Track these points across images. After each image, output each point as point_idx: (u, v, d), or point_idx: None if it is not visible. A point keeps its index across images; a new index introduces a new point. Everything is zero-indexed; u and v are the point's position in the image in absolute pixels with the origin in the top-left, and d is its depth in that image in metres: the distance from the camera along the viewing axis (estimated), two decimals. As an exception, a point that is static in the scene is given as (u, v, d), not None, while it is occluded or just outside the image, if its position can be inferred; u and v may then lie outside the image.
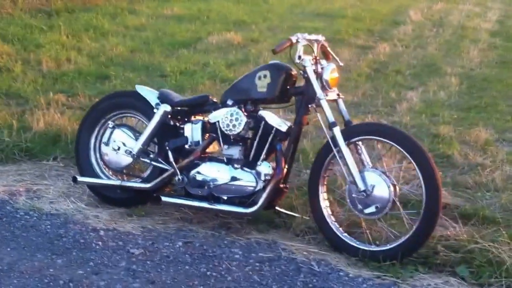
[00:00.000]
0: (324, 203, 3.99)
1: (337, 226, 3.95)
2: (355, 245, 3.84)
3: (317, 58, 4.01)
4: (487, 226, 4.06)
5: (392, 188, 3.74)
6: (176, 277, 3.49)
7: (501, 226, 4.00)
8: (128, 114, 4.60)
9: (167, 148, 4.25)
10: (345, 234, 3.91)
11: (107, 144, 4.45)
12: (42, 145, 5.41)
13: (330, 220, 3.96)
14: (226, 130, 4.09)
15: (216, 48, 9.46)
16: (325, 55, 4.20)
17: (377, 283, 3.55)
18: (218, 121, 4.13)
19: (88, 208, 4.44)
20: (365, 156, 3.94)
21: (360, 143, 3.94)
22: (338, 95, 4.03)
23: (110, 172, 4.61)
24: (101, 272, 3.53)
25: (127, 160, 4.40)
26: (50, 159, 5.24)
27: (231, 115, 4.08)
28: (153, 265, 3.63)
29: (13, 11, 10.78)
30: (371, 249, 3.79)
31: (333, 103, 4.05)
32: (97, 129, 4.59)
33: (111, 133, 4.44)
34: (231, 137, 4.12)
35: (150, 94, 4.42)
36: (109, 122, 4.50)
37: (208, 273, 3.56)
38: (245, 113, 4.11)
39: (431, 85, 8.04)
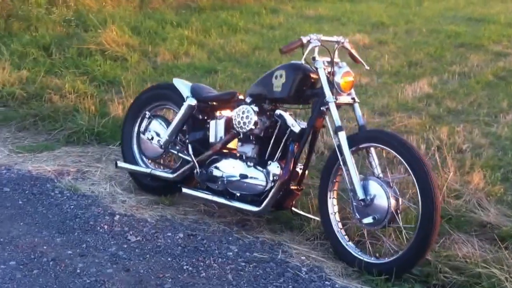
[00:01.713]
0: (332, 209, 3.76)
1: (343, 233, 3.70)
2: (356, 255, 3.58)
3: (334, 60, 3.79)
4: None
5: (392, 200, 3.43)
6: (152, 268, 3.46)
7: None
8: (166, 106, 4.66)
9: (187, 141, 4.25)
10: (350, 243, 3.66)
11: (143, 133, 4.54)
12: (113, 130, 5.62)
13: (337, 227, 3.72)
14: (238, 127, 4.00)
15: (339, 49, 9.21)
16: (353, 57, 3.98)
17: (358, 298, 3.28)
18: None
19: (122, 193, 4.55)
20: (375, 164, 3.64)
21: (372, 150, 3.66)
22: (353, 99, 3.78)
23: (149, 161, 4.68)
24: (87, 254, 3.59)
25: (158, 150, 4.46)
26: (115, 144, 5.44)
27: (243, 112, 3.99)
28: (140, 253, 3.63)
29: (160, 6, 11.28)
30: (367, 260, 3.51)
31: (349, 107, 3.86)
32: (139, 118, 4.68)
33: (148, 123, 4.53)
34: (245, 135, 4.02)
35: (184, 87, 4.43)
36: (147, 112, 4.58)
37: (185, 267, 3.48)
38: (267, 112, 4.02)
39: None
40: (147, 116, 4.55)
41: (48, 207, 4.24)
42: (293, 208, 4.04)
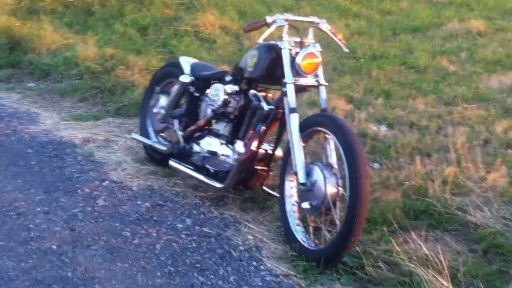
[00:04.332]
0: (288, 191, 3.69)
1: (295, 216, 3.61)
2: (299, 239, 3.50)
3: (305, 41, 3.70)
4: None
5: (331, 187, 3.33)
6: (95, 230, 3.59)
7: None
8: (174, 83, 4.77)
9: (174, 116, 4.38)
10: (299, 227, 3.57)
11: (153, 108, 4.74)
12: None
13: (290, 209, 3.65)
14: (209, 104, 4.06)
15: (447, 35, 8.73)
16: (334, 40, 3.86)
17: (274, 280, 3.22)
18: None
19: (129, 162, 4.77)
20: (330, 150, 3.51)
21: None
22: (317, 81, 3.67)
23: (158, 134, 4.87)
24: (52, 213, 3.80)
25: (159, 123, 4.64)
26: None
27: (214, 90, 4.05)
28: (96, 216, 3.78)
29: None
30: (304, 246, 3.44)
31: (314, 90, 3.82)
32: (153, 94, 4.88)
33: (157, 98, 4.72)
34: (219, 113, 4.07)
35: (186, 64, 4.54)
36: (157, 88, 4.76)
37: (125, 233, 3.58)
38: (245, 92, 4.03)
39: None
40: (156, 91, 4.74)
41: (53, 168, 4.54)
42: (264, 188, 4.01)
